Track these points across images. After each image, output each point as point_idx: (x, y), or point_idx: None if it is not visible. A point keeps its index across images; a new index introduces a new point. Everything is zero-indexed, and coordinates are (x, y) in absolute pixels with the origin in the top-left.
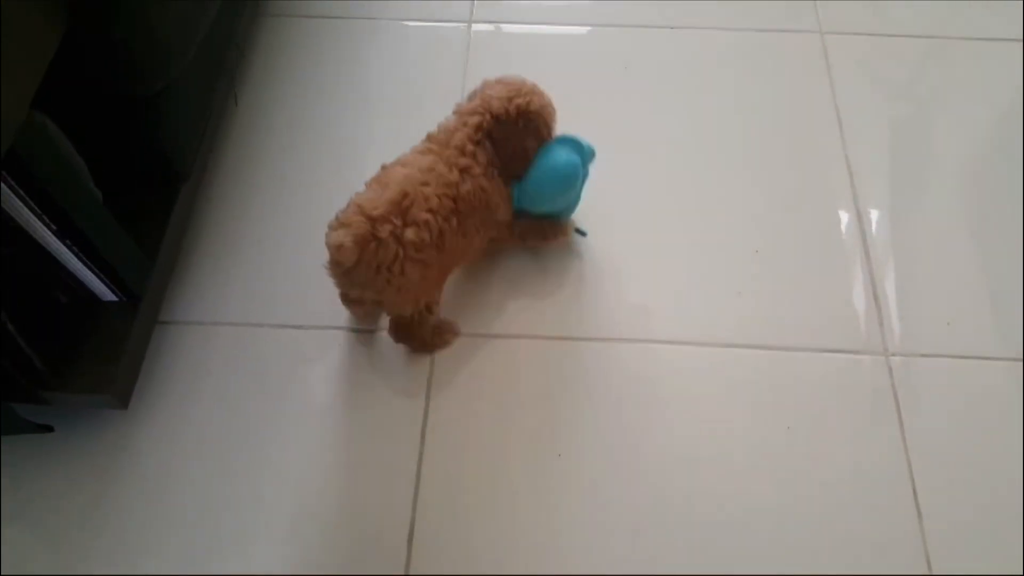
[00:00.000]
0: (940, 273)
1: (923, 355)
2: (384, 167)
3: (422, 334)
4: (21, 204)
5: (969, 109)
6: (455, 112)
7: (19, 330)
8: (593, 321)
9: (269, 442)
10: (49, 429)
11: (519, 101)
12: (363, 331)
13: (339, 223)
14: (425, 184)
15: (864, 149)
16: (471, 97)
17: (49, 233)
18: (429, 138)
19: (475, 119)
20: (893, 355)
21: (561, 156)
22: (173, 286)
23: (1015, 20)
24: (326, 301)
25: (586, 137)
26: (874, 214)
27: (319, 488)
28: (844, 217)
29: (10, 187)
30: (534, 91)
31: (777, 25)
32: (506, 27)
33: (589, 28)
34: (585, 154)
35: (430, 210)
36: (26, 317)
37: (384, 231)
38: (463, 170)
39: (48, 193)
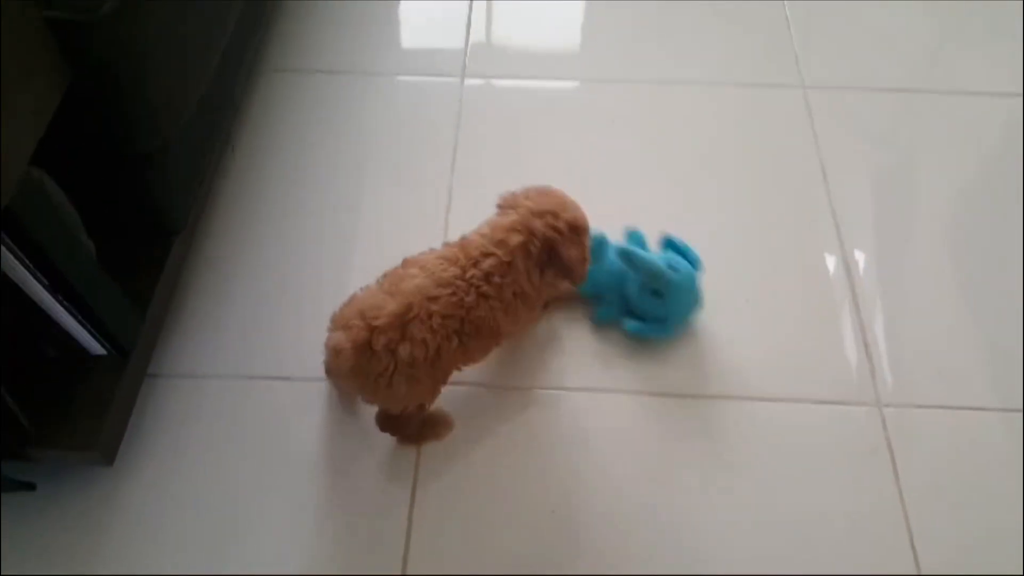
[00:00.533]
0: (930, 322)
1: (916, 406)
2: (405, 262)
3: (408, 430)
4: (15, 261)
5: (952, 159)
6: (494, 219)
7: (5, 386)
8: (575, 372)
9: (257, 495)
10: (31, 487)
11: (566, 216)
12: None
13: (339, 323)
14: (434, 300)
15: (849, 200)
16: (503, 206)
17: (41, 288)
18: (461, 246)
19: (517, 238)
20: (886, 406)
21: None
22: (162, 338)
23: (993, 74)
24: (315, 353)
25: (572, 190)
26: (862, 264)
27: (308, 544)
28: (832, 267)
29: (6, 245)
30: (570, 205)
31: (761, 80)
32: (498, 81)
33: (578, 83)
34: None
35: (431, 329)
36: (13, 372)
37: (379, 343)
38: (482, 295)
39: (42, 249)
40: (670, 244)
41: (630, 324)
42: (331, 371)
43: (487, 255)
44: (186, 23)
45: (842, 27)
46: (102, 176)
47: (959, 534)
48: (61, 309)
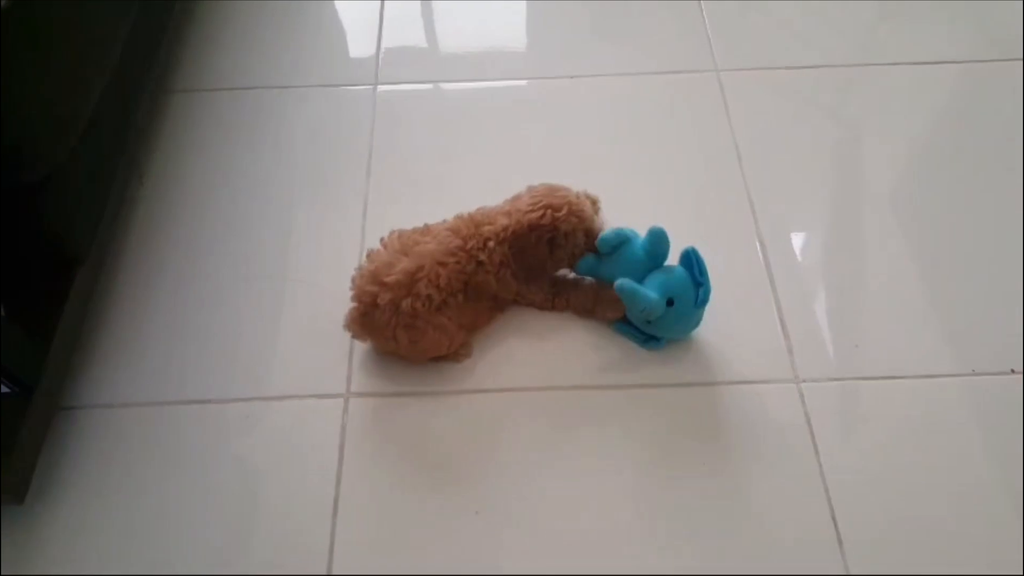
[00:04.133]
0: (845, 296)
1: (833, 379)
2: (426, 228)
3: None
4: None
5: (869, 133)
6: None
7: None
8: (492, 373)
9: (179, 520)
10: None
11: (532, 216)
12: (273, 399)
13: (355, 293)
14: (442, 264)
15: (763, 181)
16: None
17: None
18: (469, 218)
19: (501, 224)
20: (804, 382)
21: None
22: (77, 370)
23: (921, 46)
24: (235, 374)
25: (491, 188)
26: (776, 242)
27: (233, 563)
28: (748, 248)
29: None
30: (560, 205)
31: (675, 67)
32: (410, 87)
33: (490, 83)
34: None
35: (437, 287)
36: None
37: (385, 298)
38: (479, 263)
39: None
40: (688, 259)
41: (618, 324)
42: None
43: (485, 224)
44: (59, 43)
45: (753, 8)
46: None
47: (878, 504)
48: None
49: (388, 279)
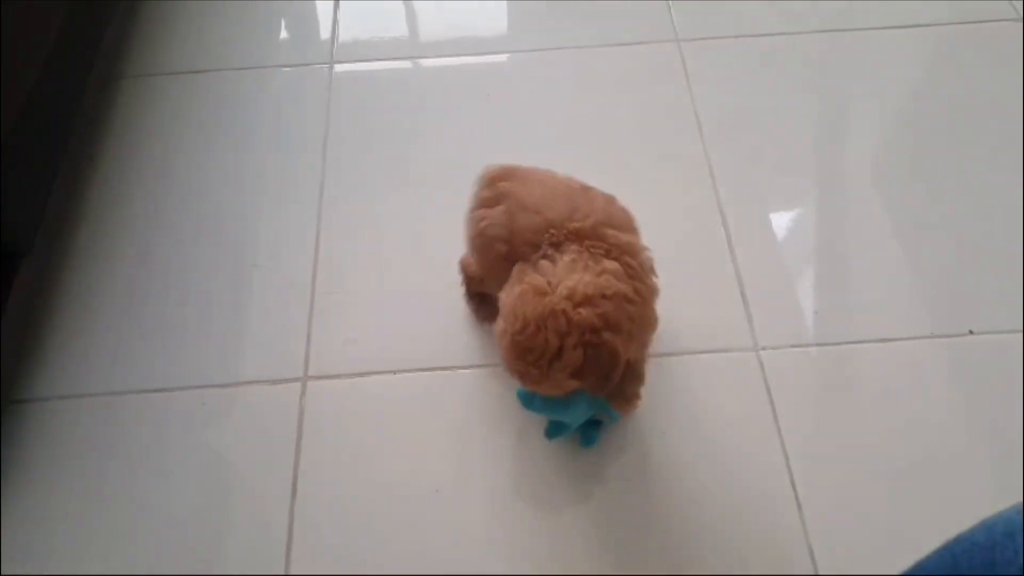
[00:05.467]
0: (804, 264)
1: (793, 346)
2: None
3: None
4: None
5: (827, 106)
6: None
7: None
8: (456, 351)
9: (136, 513)
10: None
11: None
12: (230, 385)
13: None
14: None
15: (724, 152)
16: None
17: None
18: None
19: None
20: (763, 349)
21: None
22: (29, 361)
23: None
24: (191, 361)
25: (454, 167)
26: (737, 214)
27: (190, 553)
28: (708, 218)
29: None
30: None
31: (632, 38)
32: (367, 65)
33: (447, 60)
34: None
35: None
36: None
37: (491, 201)
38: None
39: None
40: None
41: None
42: None
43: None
44: None
45: None
46: None
47: (839, 470)
48: None
49: (499, 178)
